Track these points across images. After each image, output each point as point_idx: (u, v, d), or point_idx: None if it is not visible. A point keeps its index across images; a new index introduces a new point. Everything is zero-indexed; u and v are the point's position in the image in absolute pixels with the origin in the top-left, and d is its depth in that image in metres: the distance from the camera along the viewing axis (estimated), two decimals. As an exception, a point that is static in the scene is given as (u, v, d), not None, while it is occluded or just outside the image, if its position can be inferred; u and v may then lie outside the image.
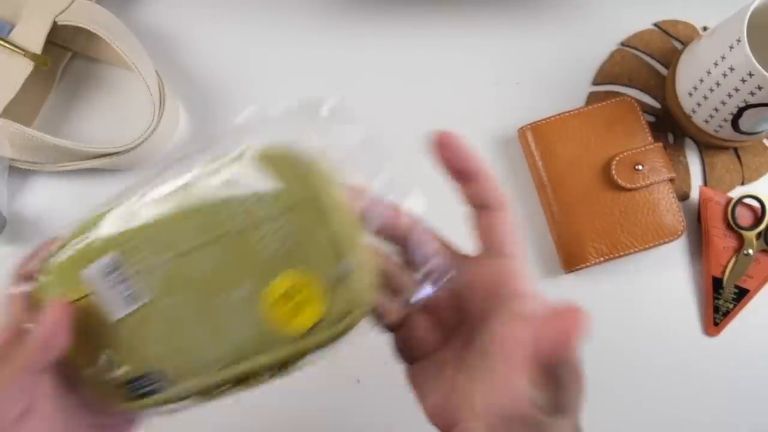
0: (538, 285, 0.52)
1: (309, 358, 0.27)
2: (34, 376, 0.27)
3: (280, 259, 0.26)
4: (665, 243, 0.48)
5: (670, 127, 0.52)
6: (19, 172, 0.49)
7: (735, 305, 0.49)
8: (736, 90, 0.44)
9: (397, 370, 0.49)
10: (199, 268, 0.27)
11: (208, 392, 0.29)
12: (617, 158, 0.48)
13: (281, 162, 0.26)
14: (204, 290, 0.27)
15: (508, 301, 0.29)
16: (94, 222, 0.29)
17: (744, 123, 0.47)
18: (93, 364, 0.29)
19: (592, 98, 0.53)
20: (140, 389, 0.28)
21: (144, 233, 0.28)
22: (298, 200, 0.26)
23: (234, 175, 0.26)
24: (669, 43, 0.54)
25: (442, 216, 0.52)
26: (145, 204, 0.28)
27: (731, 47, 0.43)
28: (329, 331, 0.26)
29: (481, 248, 0.31)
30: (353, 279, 0.26)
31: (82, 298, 0.28)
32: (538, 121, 0.50)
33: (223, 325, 0.27)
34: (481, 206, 0.32)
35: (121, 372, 0.28)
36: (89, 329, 0.28)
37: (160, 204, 0.28)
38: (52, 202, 0.50)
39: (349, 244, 0.26)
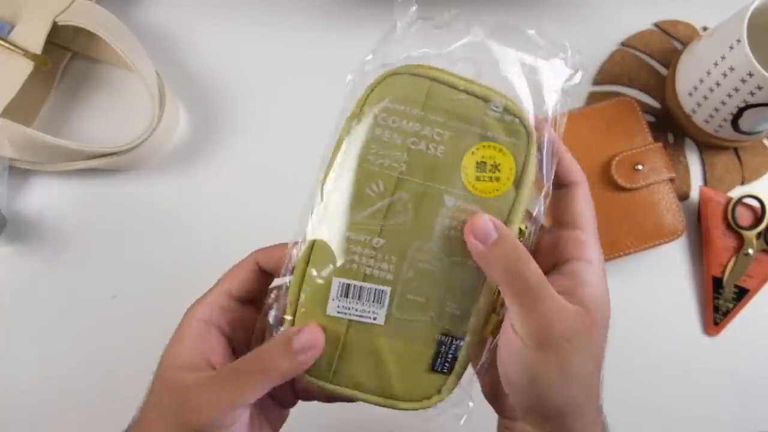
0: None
1: None
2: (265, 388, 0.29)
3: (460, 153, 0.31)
4: (665, 243, 0.48)
5: (670, 127, 0.53)
6: (19, 172, 0.49)
7: (735, 305, 0.49)
8: (736, 90, 0.44)
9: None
10: (406, 218, 0.31)
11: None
12: (617, 158, 0.48)
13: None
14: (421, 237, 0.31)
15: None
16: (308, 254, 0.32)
17: (744, 123, 0.47)
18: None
19: (592, 98, 0.53)
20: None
21: (350, 224, 0.31)
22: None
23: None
24: (669, 43, 0.54)
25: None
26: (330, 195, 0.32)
27: (731, 47, 0.43)
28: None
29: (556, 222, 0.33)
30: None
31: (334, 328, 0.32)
32: (538, 121, 0.50)
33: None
34: (561, 184, 0.33)
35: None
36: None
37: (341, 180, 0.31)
38: (52, 202, 0.50)
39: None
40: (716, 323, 0.49)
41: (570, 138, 0.49)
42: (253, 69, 0.53)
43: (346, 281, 0.31)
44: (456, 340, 0.31)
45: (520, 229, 0.32)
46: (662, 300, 0.50)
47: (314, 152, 0.48)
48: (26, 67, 0.47)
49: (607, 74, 0.53)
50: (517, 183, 0.31)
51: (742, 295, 0.49)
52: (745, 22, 0.42)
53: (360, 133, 0.31)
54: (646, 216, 0.48)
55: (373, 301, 0.32)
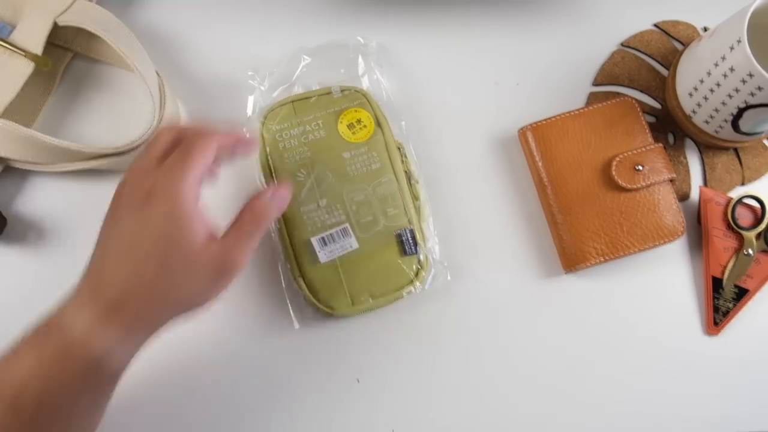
0: (538, 285, 0.52)
1: None
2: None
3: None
4: (665, 243, 0.48)
5: (670, 127, 0.53)
6: (19, 172, 0.49)
7: (735, 305, 0.49)
8: (737, 91, 0.44)
9: (396, 370, 0.49)
10: None
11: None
12: (617, 159, 0.48)
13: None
14: None
15: None
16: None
17: (744, 123, 0.47)
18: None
19: (593, 99, 0.53)
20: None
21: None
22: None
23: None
24: (669, 43, 0.54)
25: (437, 210, 0.52)
26: None
27: (731, 48, 0.43)
28: None
29: None
30: None
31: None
32: (539, 121, 0.50)
33: None
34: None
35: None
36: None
37: None
38: (52, 202, 0.50)
39: None
40: (716, 323, 0.49)
41: (571, 138, 0.50)
42: (252, 69, 0.53)
43: (319, 236, 0.46)
44: (406, 229, 0.47)
45: (405, 158, 0.49)
46: (662, 300, 0.50)
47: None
48: (26, 67, 0.47)
49: (607, 75, 0.53)
50: (377, 123, 0.49)
51: (742, 295, 0.49)
52: (746, 22, 0.42)
53: (273, 152, 0.48)
54: (646, 216, 0.48)
55: (343, 237, 0.47)
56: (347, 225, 0.46)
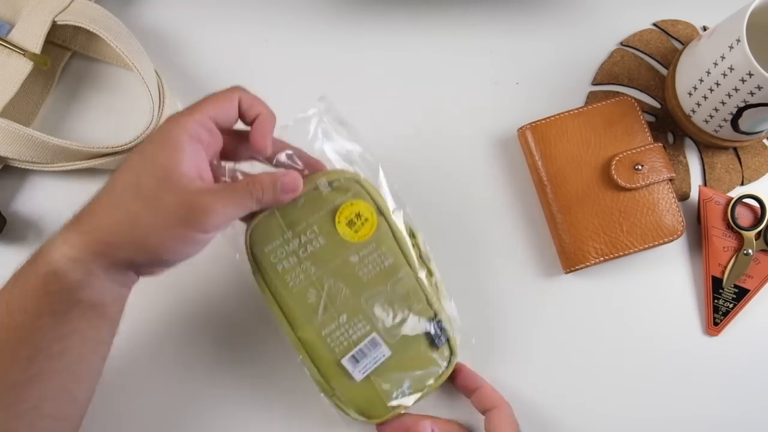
0: (538, 285, 0.52)
1: None
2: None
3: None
4: (665, 243, 0.48)
5: (669, 126, 0.52)
6: (18, 171, 0.49)
7: (735, 305, 0.49)
8: (736, 90, 0.44)
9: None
10: None
11: None
12: (617, 158, 0.48)
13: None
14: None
15: None
16: None
17: (744, 123, 0.47)
18: None
19: (592, 98, 0.53)
20: None
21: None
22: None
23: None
24: (669, 42, 0.54)
25: (437, 210, 0.52)
26: None
27: (731, 47, 0.43)
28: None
29: None
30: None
31: None
32: (538, 121, 0.50)
33: None
34: (484, 409, 0.44)
35: None
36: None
37: None
38: (52, 202, 0.50)
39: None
40: (716, 323, 0.49)
41: (570, 138, 0.50)
42: (253, 69, 0.53)
43: (349, 355, 0.42)
44: (433, 322, 0.43)
45: (414, 239, 0.44)
46: (662, 300, 0.50)
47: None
48: (25, 66, 0.47)
49: (606, 74, 0.53)
50: (379, 212, 0.42)
51: (741, 295, 0.49)
52: (745, 21, 0.42)
53: (273, 279, 0.41)
54: (645, 216, 0.48)
55: (373, 349, 0.42)
56: (374, 334, 0.42)
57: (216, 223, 0.35)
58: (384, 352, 0.42)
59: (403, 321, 0.42)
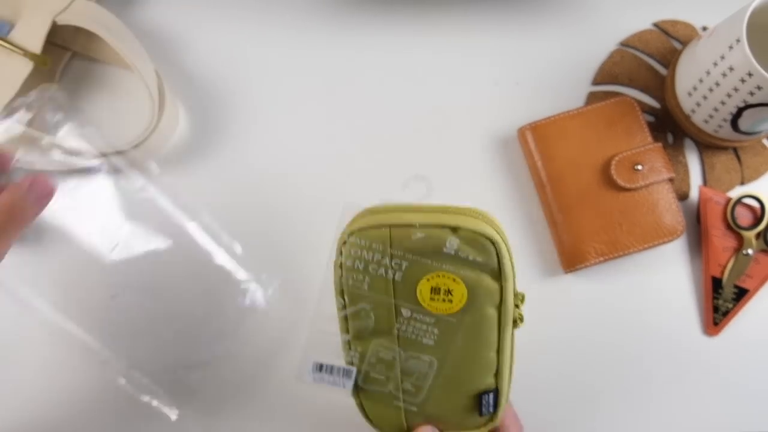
0: (538, 285, 0.52)
1: None
2: None
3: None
4: (665, 243, 0.48)
5: (669, 127, 0.53)
6: (18, 172, 0.49)
7: (735, 305, 0.49)
8: (736, 90, 0.44)
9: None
10: None
11: None
12: (617, 158, 0.48)
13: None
14: None
15: None
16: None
17: (743, 123, 0.47)
18: None
19: (592, 98, 0.53)
20: None
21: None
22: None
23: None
24: (668, 43, 0.54)
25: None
26: None
27: (731, 47, 0.43)
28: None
29: None
30: None
31: None
32: (538, 121, 0.50)
33: None
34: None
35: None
36: None
37: None
38: (52, 202, 0.50)
39: None
40: (716, 323, 0.49)
41: (570, 138, 0.50)
42: (252, 69, 0.53)
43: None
44: (491, 392, 0.38)
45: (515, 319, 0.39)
46: (662, 300, 0.50)
47: (313, 152, 0.48)
48: (25, 66, 0.47)
49: (606, 74, 0.53)
50: (498, 304, 0.37)
51: (741, 295, 0.49)
52: (745, 21, 0.42)
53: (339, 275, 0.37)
54: (645, 216, 0.48)
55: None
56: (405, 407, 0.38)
57: None
58: (417, 399, 0.38)
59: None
